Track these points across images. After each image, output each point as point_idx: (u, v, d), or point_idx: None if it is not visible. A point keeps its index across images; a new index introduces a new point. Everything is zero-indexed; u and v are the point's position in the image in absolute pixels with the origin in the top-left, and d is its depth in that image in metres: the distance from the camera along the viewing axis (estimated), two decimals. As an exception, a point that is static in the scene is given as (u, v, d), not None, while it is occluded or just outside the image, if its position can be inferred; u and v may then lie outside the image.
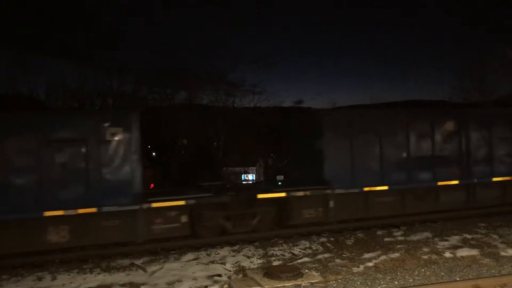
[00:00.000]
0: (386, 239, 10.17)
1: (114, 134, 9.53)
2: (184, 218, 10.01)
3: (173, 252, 9.67)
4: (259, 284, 6.76)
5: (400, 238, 10.23)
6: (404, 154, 12.05)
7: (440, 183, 12.20)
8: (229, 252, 9.48)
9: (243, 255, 9.18)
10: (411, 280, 6.80)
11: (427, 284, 6.43)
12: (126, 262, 8.96)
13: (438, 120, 12.56)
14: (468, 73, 28.43)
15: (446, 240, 9.76)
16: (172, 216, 9.92)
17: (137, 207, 9.56)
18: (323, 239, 10.37)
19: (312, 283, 6.78)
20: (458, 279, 6.74)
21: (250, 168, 24.51)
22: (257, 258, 8.91)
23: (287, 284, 6.73)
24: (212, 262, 8.73)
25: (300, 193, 10.92)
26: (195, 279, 7.62)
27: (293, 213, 10.97)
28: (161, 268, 8.39)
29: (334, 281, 6.86)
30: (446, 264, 7.71)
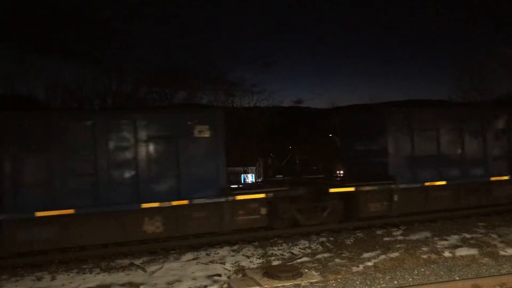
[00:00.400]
0: (386, 238, 10.18)
1: (201, 132, 10.21)
2: (263, 210, 10.68)
3: (172, 252, 9.67)
4: (259, 284, 6.76)
5: (399, 237, 10.24)
6: (459, 151, 12.74)
7: (492, 179, 12.88)
8: (229, 252, 9.48)
9: (243, 255, 9.18)
10: (410, 279, 6.80)
11: (426, 284, 6.43)
12: (125, 262, 8.96)
13: (488, 118, 13.31)
14: (468, 73, 28.49)
15: (446, 240, 9.77)
16: (253, 208, 10.59)
17: (223, 199, 10.24)
18: (322, 239, 10.38)
19: (311, 283, 6.78)
20: (457, 278, 6.74)
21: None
22: (257, 258, 8.91)
23: (287, 283, 6.73)
24: (212, 262, 8.73)
25: (368, 188, 11.51)
26: (194, 279, 7.62)
27: (360, 207, 11.56)
28: (161, 268, 8.39)
29: (333, 281, 6.86)
30: (446, 263, 7.71)
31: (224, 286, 7.16)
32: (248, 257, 9.03)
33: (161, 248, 9.90)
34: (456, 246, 9.11)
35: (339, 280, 6.91)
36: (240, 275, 7.65)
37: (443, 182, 12.22)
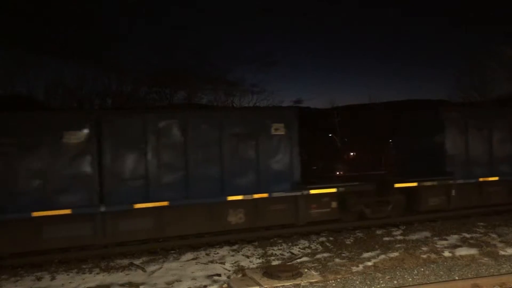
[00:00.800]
0: (385, 238, 10.18)
1: (277, 130, 10.89)
2: (334, 204, 11.30)
3: (172, 251, 9.67)
4: (259, 284, 6.76)
5: (399, 237, 10.24)
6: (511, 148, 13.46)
7: None
8: (228, 252, 9.48)
9: (242, 255, 9.19)
10: (410, 279, 6.80)
11: (426, 283, 6.44)
12: (125, 262, 8.96)
13: None
14: (467, 72, 28.51)
15: (445, 239, 9.77)
16: (325, 202, 11.21)
17: (299, 193, 10.86)
18: (322, 239, 10.38)
19: (311, 283, 6.78)
20: (457, 278, 6.75)
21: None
22: (256, 258, 8.91)
23: (286, 283, 6.73)
24: (211, 261, 8.73)
25: (428, 183, 12.15)
26: (194, 278, 7.62)
27: (421, 201, 12.21)
28: (160, 268, 8.39)
29: (333, 281, 6.86)
30: (445, 263, 7.72)
31: (223, 286, 7.16)
32: (247, 257, 9.03)
33: (161, 248, 9.89)
34: (455, 246, 9.12)
35: (338, 280, 6.92)
36: (239, 275, 7.65)
37: (496, 178, 12.94)
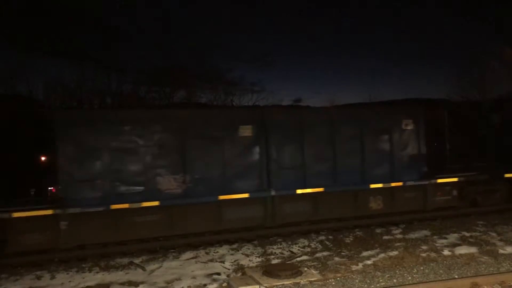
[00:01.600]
0: (385, 237, 10.19)
1: (407, 125, 12.15)
2: (455, 192, 12.50)
3: (172, 250, 9.67)
4: (258, 283, 6.76)
5: (398, 236, 10.25)
6: None
7: None
8: (228, 251, 9.48)
9: (242, 254, 9.19)
10: (409, 278, 6.80)
11: (425, 282, 6.44)
12: (125, 260, 8.96)
13: None
14: (467, 71, 28.48)
15: (445, 238, 9.78)
16: (448, 190, 12.44)
17: (427, 182, 12.08)
18: (321, 237, 10.39)
19: (311, 281, 6.78)
20: (456, 276, 6.75)
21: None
22: (256, 257, 8.91)
23: (286, 282, 6.72)
24: (211, 260, 8.73)
25: None
26: (194, 277, 7.62)
27: None
28: (160, 267, 8.40)
29: (333, 279, 6.86)
30: (445, 262, 7.72)
31: (223, 285, 7.16)
32: (247, 255, 9.04)
33: (160, 247, 9.90)
34: (455, 245, 9.12)
35: (338, 278, 6.92)
36: (239, 274, 7.65)
37: None
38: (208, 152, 10.40)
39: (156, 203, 9.71)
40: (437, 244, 9.23)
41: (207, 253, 9.33)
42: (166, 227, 10.04)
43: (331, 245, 9.65)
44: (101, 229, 9.55)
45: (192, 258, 8.99)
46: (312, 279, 6.89)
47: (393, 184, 11.70)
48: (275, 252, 9.22)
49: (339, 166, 11.41)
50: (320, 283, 6.69)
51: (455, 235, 10.02)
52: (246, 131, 10.75)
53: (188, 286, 7.18)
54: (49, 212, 9.09)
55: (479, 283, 6.28)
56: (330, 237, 10.42)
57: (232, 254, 9.18)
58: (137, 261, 8.88)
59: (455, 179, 12.39)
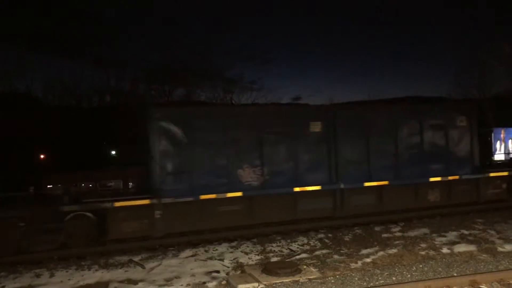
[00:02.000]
0: (384, 235, 10.20)
1: (461, 122, 12.89)
2: (504, 185, 13.43)
3: (171, 248, 9.68)
4: (257, 280, 6.76)
5: (398, 234, 10.26)
6: None
7: None
8: (227, 249, 9.48)
9: (241, 251, 9.19)
10: (408, 275, 6.81)
11: (424, 280, 6.44)
12: (124, 258, 8.96)
13: None
14: (467, 69, 28.47)
15: (444, 236, 9.79)
16: (498, 184, 13.33)
17: (480, 176, 12.95)
18: (321, 235, 10.39)
19: (310, 279, 6.78)
20: (455, 274, 6.76)
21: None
22: (255, 254, 8.91)
23: (285, 280, 6.73)
24: (210, 258, 8.74)
25: None
26: (193, 275, 7.62)
27: None
28: (159, 265, 8.39)
29: (332, 277, 6.87)
30: (444, 259, 7.73)
31: (223, 282, 7.16)
32: (246, 253, 9.04)
33: (160, 244, 9.90)
34: (454, 243, 9.13)
35: (337, 276, 6.92)
36: (238, 272, 7.65)
37: None
38: (283, 147, 11.16)
39: (239, 193, 10.52)
40: (436, 242, 9.24)
41: (206, 251, 9.33)
42: (247, 216, 10.73)
43: (330, 243, 9.65)
44: (190, 218, 10.25)
45: (191, 256, 9.00)
46: (311, 277, 6.90)
47: (450, 178, 12.47)
48: (274, 250, 9.22)
49: (400, 160, 12.17)
50: (319, 281, 6.69)
51: (454, 233, 10.04)
52: (316, 127, 11.47)
53: (187, 284, 7.18)
54: (146, 202, 9.86)
55: (478, 280, 6.29)
56: (329, 235, 10.42)
57: (231, 252, 9.19)
58: (136, 259, 8.88)
59: (506, 173, 13.29)
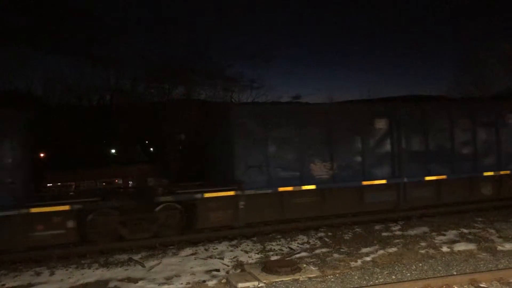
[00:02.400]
0: (384, 233, 10.21)
1: (510, 118, 13.44)
2: None
3: (171, 247, 9.68)
4: (257, 279, 6.77)
5: (397, 232, 10.27)
6: None
7: None
8: (227, 247, 9.49)
9: (241, 250, 9.20)
10: (408, 274, 6.81)
11: (424, 279, 6.45)
12: (124, 257, 8.97)
13: None
14: (466, 68, 28.42)
15: (444, 235, 9.79)
16: None
17: None
18: (321, 234, 10.40)
19: (310, 278, 6.78)
20: (455, 273, 6.76)
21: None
22: (255, 253, 8.92)
23: (285, 278, 6.73)
24: (210, 257, 8.74)
25: None
26: (193, 274, 7.62)
27: None
28: (159, 263, 8.40)
29: (332, 276, 6.87)
30: (444, 258, 7.73)
31: (222, 281, 7.16)
32: (246, 252, 9.05)
33: (160, 243, 9.91)
34: (454, 241, 9.14)
35: (337, 275, 6.93)
36: (238, 270, 7.66)
37: None
38: (350, 142, 11.75)
39: (313, 186, 11.12)
40: (436, 241, 9.24)
41: (206, 250, 9.34)
42: (319, 208, 11.34)
43: (330, 241, 9.66)
44: (269, 209, 10.89)
45: (191, 254, 9.00)
46: (311, 275, 6.90)
47: (502, 172, 13.02)
48: (274, 249, 9.23)
49: (456, 155, 12.67)
50: (319, 279, 6.70)
51: (454, 231, 10.04)
52: (380, 123, 12.04)
53: (187, 283, 7.19)
54: (231, 193, 10.54)
55: (478, 279, 6.30)
56: (329, 233, 10.43)
57: (231, 251, 9.19)
58: (136, 257, 8.89)
59: None
